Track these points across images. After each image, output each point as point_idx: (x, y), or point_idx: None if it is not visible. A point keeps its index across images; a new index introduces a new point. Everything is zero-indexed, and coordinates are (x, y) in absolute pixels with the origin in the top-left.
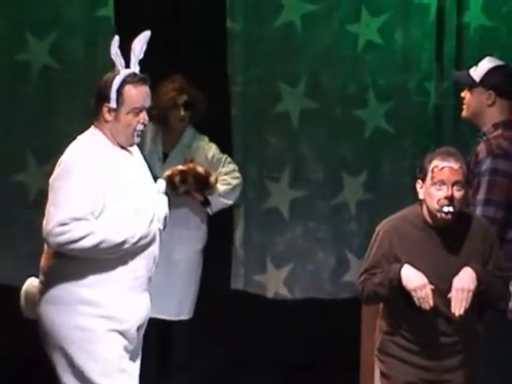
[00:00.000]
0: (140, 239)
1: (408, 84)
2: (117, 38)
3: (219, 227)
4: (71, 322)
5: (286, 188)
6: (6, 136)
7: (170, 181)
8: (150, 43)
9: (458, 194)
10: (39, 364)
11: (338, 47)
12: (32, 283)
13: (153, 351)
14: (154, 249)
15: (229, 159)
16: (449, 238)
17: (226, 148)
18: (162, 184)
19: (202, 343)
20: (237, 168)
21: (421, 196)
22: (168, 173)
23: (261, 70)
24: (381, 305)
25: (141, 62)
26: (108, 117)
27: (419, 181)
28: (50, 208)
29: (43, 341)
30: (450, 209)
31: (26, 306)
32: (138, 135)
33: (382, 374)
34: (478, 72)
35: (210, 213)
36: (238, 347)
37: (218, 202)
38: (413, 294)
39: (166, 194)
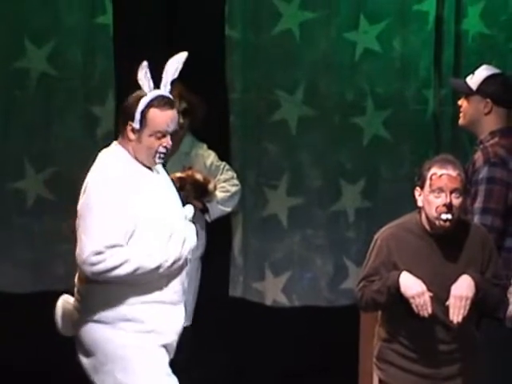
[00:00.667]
0: (174, 263)
1: (406, 91)
2: (145, 63)
3: (218, 234)
4: (113, 340)
5: (284, 195)
6: (4, 143)
7: None
8: (149, 51)
9: (456, 201)
10: (36, 365)
11: (336, 55)
12: (67, 300)
13: None
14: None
15: (227, 166)
16: (447, 246)
17: (224, 155)
18: (190, 210)
19: (201, 350)
20: (235, 175)
21: (419, 203)
22: None
23: (259, 78)
24: (379, 312)
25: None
26: (131, 136)
27: (418, 188)
28: (81, 236)
29: (81, 357)
30: (449, 216)
31: (62, 323)
32: (159, 157)
33: (381, 382)
34: (474, 80)
35: (209, 220)
36: (236, 354)
37: (217, 210)
38: (411, 301)
39: (193, 221)
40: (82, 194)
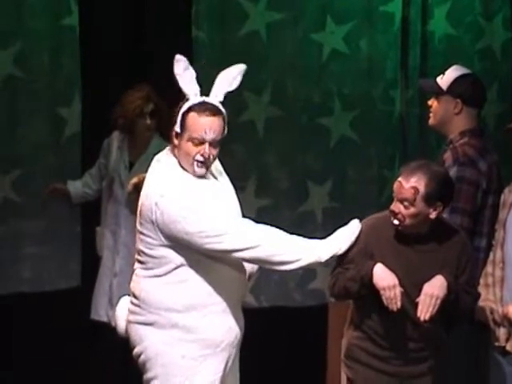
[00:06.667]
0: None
1: (373, 92)
2: (181, 66)
3: None
4: (162, 346)
5: (251, 197)
6: None
7: (136, 188)
8: (116, 52)
9: (404, 210)
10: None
11: (303, 56)
12: (126, 301)
13: None
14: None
15: None
16: (426, 246)
17: None
18: None
19: None
20: None
21: None
22: (134, 180)
23: None
24: (349, 311)
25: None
26: (175, 141)
27: None
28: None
29: (133, 353)
30: (395, 222)
31: (118, 324)
32: (198, 166)
33: (349, 380)
34: (445, 80)
35: None
36: None
37: None
38: (381, 292)
39: None
40: (152, 215)
